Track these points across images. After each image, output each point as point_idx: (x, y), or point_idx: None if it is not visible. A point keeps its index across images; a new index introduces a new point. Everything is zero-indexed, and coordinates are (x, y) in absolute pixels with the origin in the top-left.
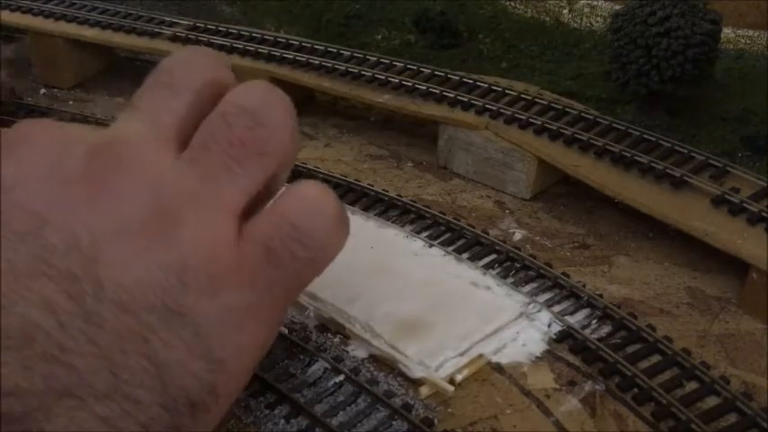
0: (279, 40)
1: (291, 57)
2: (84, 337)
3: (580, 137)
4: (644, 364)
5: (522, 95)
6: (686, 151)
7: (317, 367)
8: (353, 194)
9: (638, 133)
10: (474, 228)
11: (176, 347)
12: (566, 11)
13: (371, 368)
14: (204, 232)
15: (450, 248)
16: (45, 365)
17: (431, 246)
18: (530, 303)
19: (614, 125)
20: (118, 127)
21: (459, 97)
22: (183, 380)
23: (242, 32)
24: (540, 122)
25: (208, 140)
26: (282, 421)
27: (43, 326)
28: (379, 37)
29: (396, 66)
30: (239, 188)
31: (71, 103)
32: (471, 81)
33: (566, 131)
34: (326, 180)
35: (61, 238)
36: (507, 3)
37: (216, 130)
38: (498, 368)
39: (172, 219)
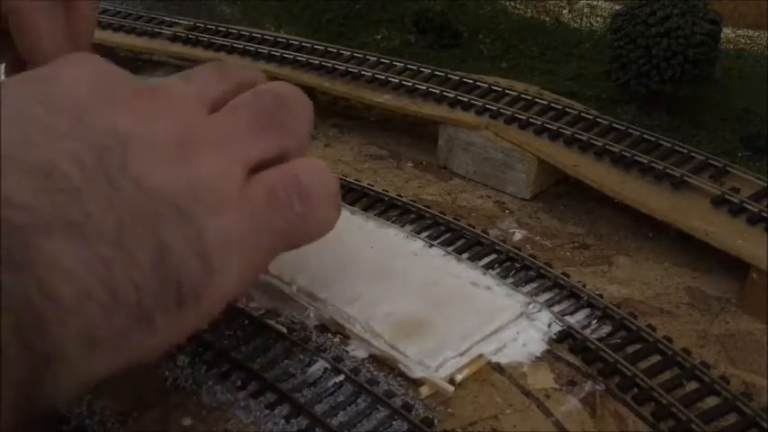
0: (279, 40)
1: (291, 57)
2: (102, 192)
3: (580, 137)
4: (644, 364)
5: (522, 95)
6: (686, 151)
7: (317, 367)
8: (353, 194)
9: (638, 133)
10: (474, 228)
11: (179, 238)
12: (566, 11)
13: (371, 368)
14: (218, 168)
15: (451, 248)
16: (59, 197)
17: (431, 246)
18: (530, 303)
19: (614, 125)
20: (165, 81)
21: (459, 97)
22: (178, 266)
23: (242, 32)
24: (540, 122)
25: (238, 104)
26: (282, 421)
27: (67, 171)
28: (379, 37)
29: (396, 66)
30: (255, 148)
31: None
32: (471, 81)
33: (566, 131)
34: None
35: (100, 122)
36: (507, 3)
37: (246, 98)
38: (498, 368)
39: (193, 151)
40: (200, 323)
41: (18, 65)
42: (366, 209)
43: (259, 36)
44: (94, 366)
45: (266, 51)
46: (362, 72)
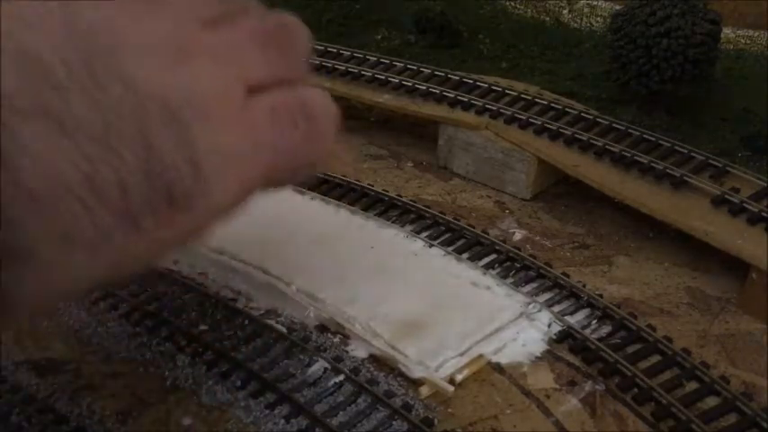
0: None
1: None
2: (87, 93)
3: (580, 137)
4: (644, 364)
5: (522, 95)
6: (686, 151)
7: (317, 367)
8: (353, 194)
9: (638, 133)
10: (474, 228)
11: (168, 141)
12: (566, 11)
13: (371, 368)
14: (215, 80)
15: (451, 248)
16: (41, 86)
17: (431, 246)
18: (530, 303)
19: (614, 125)
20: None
21: (459, 97)
22: (166, 168)
23: None
24: (540, 122)
25: (239, 22)
26: (282, 421)
27: (53, 66)
28: (379, 37)
29: (396, 66)
30: (255, 67)
31: None
32: (471, 81)
33: (566, 131)
34: (326, 180)
35: (91, 19)
36: (507, 3)
37: (249, 17)
38: (498, 368)
39: (189, 59)
40: (192, 234)
41: None
42: (366, 209)
43: None
44: (72, 268)
45: None
46: (362, 72)
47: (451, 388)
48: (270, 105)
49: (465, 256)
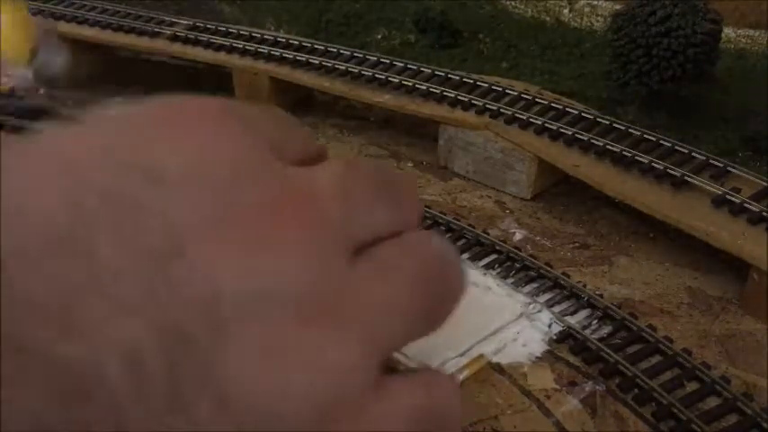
0: (279, 39)
1: (291, 56)
2: (158, 420)
3: (580, 137)
4: (644, 365)
5: (523, 95)
6: (687, 151)
7: None
8: None
9: (638, 133)
10: (474, 228)
11: None
12: (566, 10)
13: None
14: (346, 361)
15: None
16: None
17: None
18: (530, 304)
19: (615, 125)
20: (318, 184)
21: (459, 97)
22: None
23: (242, 32)
24: (540, 122)
25: (399, 263)
26: None
27: (112, 377)
28: (379, 37)
29: (396, 66)
30: (401, 330)
31: (69, 103)
32: (471, 81)
33: (566, 131)
34: None
35: (198, 285)
36: (507, 3)
37: (409, 256)
38: (499, 368)
39: (321, 329)
40: None
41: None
42: None
43: (259, 36)
44: None
45: (266, 51)
46: (362, 72)
47: None
48: (408, 410)
49: (465, 256)
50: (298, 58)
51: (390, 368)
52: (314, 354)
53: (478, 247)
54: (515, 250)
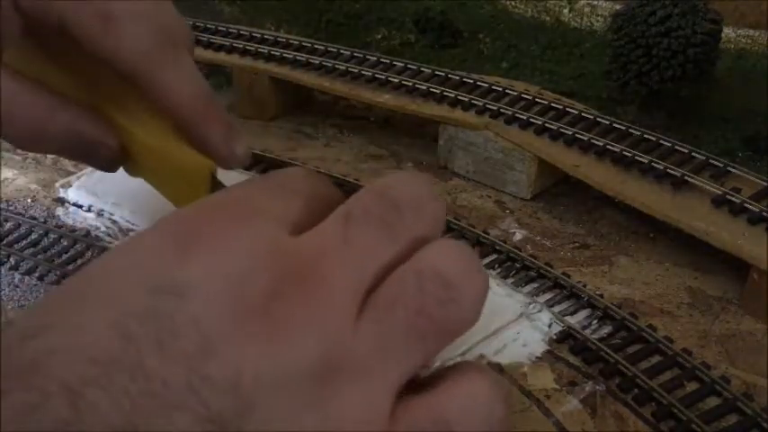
0: (279, 39)
1: (291, 56)
2: None
3: (581, 137)
4: (644, 365)
5: (523, 95)
6: (687, 151)
7: None
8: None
9: (638, 133)
10: (474, 228)
11: None
12: (566, 10)
13: None
14: (361, 409)
15: None
16: None
17: None
18: (530, 303)
19: (615, 125)
20: (321, 246)
21: (459, 97)
22: None
23: (241, 32)
24: (540, 122)
25: (397, 303)
26: None
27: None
28: (379, 37)
29: (396, 66)
30: (408, 364)
31: None
32: (471, 81)
33: (566, 131)
34: None
35: (224, 374)
36: (507, 3)
37: (408, 293)
38: (498, 368)
39: (332, 384)
40: None
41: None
42: None
43: (259, 36)
44: None
45: (266, 51)
46: (362, 72)
47: None
48: (414, 425)
49: None
50: (298, 58)
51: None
52: (330, 406)
53: (478, 247)
54: (515, 250)
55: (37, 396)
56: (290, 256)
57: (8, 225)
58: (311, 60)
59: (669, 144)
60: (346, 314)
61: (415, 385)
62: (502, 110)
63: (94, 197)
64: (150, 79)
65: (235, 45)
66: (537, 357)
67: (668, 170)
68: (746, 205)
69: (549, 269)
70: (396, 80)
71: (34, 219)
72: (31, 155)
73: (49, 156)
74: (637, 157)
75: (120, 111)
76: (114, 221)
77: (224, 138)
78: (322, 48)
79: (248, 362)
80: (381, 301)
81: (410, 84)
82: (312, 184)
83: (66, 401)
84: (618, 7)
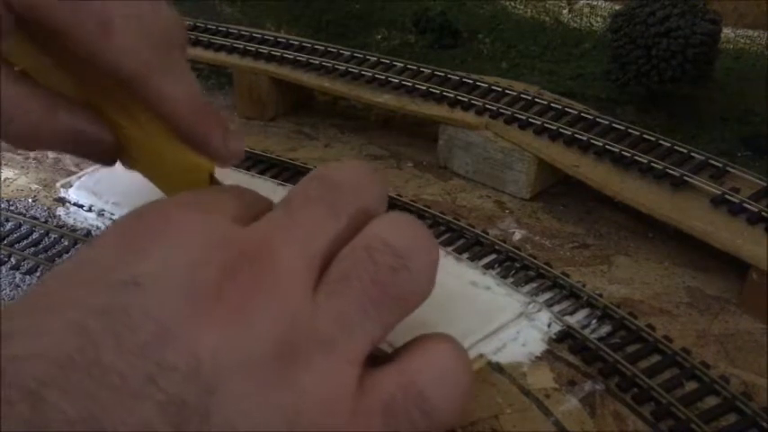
0: (279, 40)
1: (291, 57)
2: None
3: (580, 137)
4: (644, 364)
5: (522, 95)
6: (686, 151)
7: None
8: None
9: (637, 133)
10: (474, 228)
11: None
12: (566, 11)
13: None
14: (327, 381)
15: (450, 248)
16: None
17: None
18: (530, 303)
19: (614, 125)
20: (268, 231)
21: (459, 97)
22: None
23: (242, 32)
24: (540, 122)
25: (351, 275)
26: None
27: None
28: (379, 37)
29: (396, 66)
30: (369, 334)
31: None
32: (471, 81)
33: (566, 131)
34: None
35: (182, 360)
36: (507, 3)
37: (360, 264)
38: (498, 368)
39: (296, 360)
40: None
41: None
42: None
43: (259, 36)
44: None
45: (266, 51)
46: (362, 72)
47: None
48: (382, 404)
49: (465, 255)
50: (298, 58)
51: (378, 356)
52: (295, 383)
53: (478, 247)
54: (515, 250)
55: (3, 406)
56: (241, 243)
57: (9, 225)
58: (311, 61)
59: (668, 144)
60: (300, 290)
61: (382, 361)
62: (501, 110)
63: (95, 197)
64: (146, 85)
65: (235, 45)
66: (536, 357)
67: (667, 170)
68: (745, 205)
69: (548, 269)
70: (396, 80)
71: (35, 218)
72: (32, 154)
73: (50, 155)
74: (636, 157)
75: (118, 110)
76: (115, 222)
77: (220, 137)
78: (322, 48)
79: (206, 346)
80: (335, 275)
81: (410, 84)
82: (251, 193)
83: (28, 405)
84: (617, 7)
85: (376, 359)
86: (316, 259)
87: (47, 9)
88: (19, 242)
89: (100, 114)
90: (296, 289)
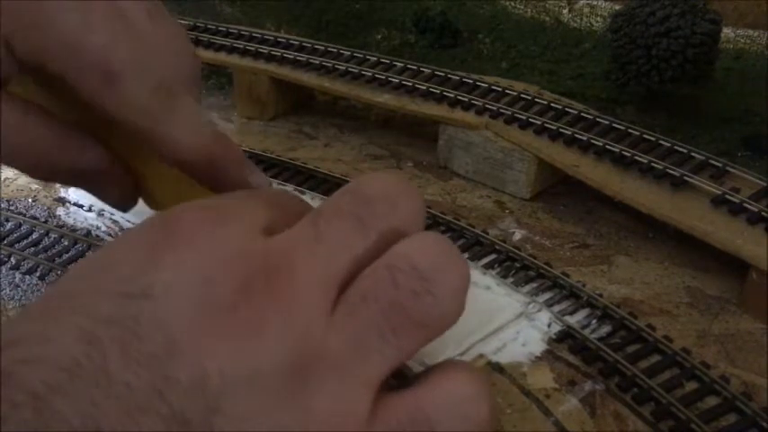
0: (279, 40)
1: (292, 57)
2: None
3: (580, 137)
4: (644, 364)
5: (522, 95)
6: (686, 151)
7: None
8: None
9: (637, 133)
10: (474, 227)
11: None
12: (566, 11)
13: None
14: (338, 405)
15: None
16: None
17: None
18: (530, 303)
19: (614, 125)
20: (291, 244)
21: (459, 97)
22: None
23: (242, 32)
24: (540, 122)
25: (369, 296)
26: None
27: None
28: (379, 37)
29: (396, 66)
30: (386, 359)
31: None
32: (471, 81)
33: (566, 131)
34: (326, 180)
35: (189, 374)
36: (507, 3)
37: (380, 285)
38: (498, 368)
39: (307, 380)
40: None
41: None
42: None
43: (259, 36)
44: None
45: (266, 51)
46: (362, 72)
47: None
48: (391, 429)
49: (465, 255)
50: (298, 58)
51: (399, 376)
52: (305, 403)
53: (478, 247)
54: (515, 250)
55: (6, 407)
56: (261, 256)
57: (9, 225)
58: (311, 61)
59: (668, 144)
60: (317, 308)
61: (403, 385)
62: (501, 110)
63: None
64: (152, 133)
65: (235, 45)
66: (536, 357)
67: (667, 170)
68: (745, 205)
69: (548, 269)
70: (396, 80)
71: (35, 218)
72: None
73: None
74: (636, 157)
75: (129, 151)
76: (115, 221)
77: (238, 175)
78: (322, 48)
79: (214, 361)
80: (354, 295)
81: (410, 84)
82: (289, 198)
83: (32, 409)
84: (617, 7)
85: (404, 378)
86: (337, 277)
87: (49, 54)
88: (19, 242)
89: (113, 153)
90: (312, 306)
